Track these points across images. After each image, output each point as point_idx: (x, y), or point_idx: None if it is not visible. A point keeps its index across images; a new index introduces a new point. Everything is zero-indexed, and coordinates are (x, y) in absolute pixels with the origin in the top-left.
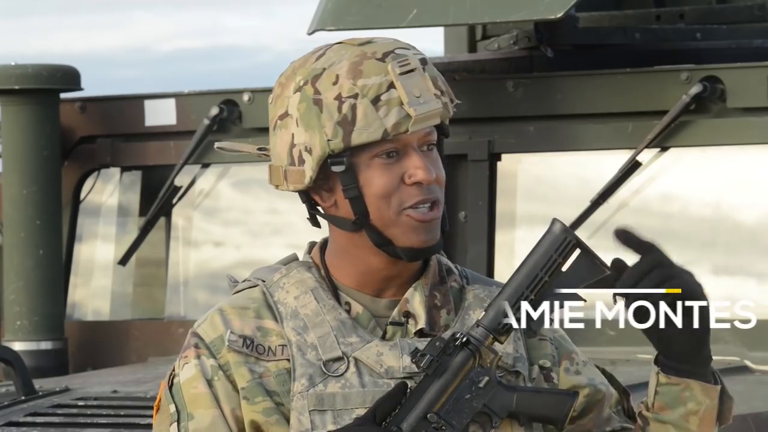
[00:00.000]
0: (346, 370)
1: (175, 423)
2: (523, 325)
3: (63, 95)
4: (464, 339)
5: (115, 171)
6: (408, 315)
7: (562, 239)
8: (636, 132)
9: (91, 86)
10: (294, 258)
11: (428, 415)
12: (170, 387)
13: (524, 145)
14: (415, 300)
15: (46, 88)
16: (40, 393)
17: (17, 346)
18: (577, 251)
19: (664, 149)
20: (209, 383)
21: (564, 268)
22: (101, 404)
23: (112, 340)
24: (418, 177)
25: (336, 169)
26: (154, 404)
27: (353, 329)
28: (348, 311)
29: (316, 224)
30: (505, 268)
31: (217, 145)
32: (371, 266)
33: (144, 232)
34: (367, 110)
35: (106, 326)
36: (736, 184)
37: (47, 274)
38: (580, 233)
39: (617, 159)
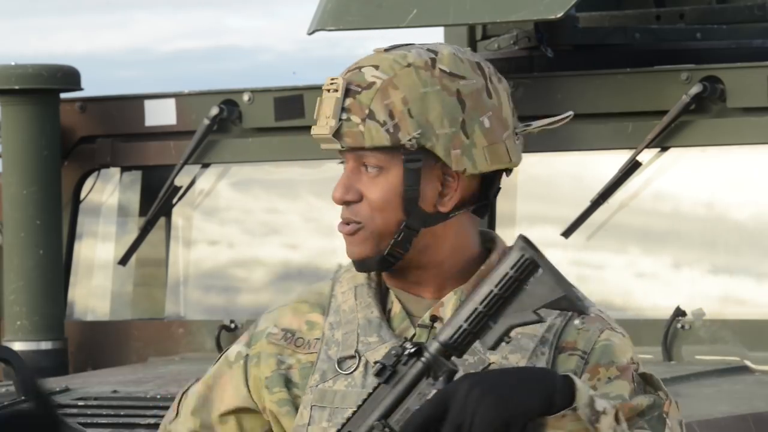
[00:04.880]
0: (355, 369)
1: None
2: (491, 343)
3: (63, 95)
4: (413, 350)
5: (115, 171)
6: (435, 318)
7: (518, 257)
8: (636, 132)
9: (92, 86)
10: None
11: (374, 423)
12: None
13: (524, 145)
14: (450, 304)
15: (46, 88)
16: None
17: (17, 346)
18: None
19: (664, 149)
20: (229, 365)
21: (528, 286)
22: (101, 404)
23: (112, 340)
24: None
25: None
26: (153, 404)
27: (377, 328)
28: (389, 310)
29: None
30: None
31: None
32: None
33: (144, 232)
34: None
35: (106, 326)
36: (735, 185)
37: (47, 274)
38: (580, 233)
39: (617, 159)
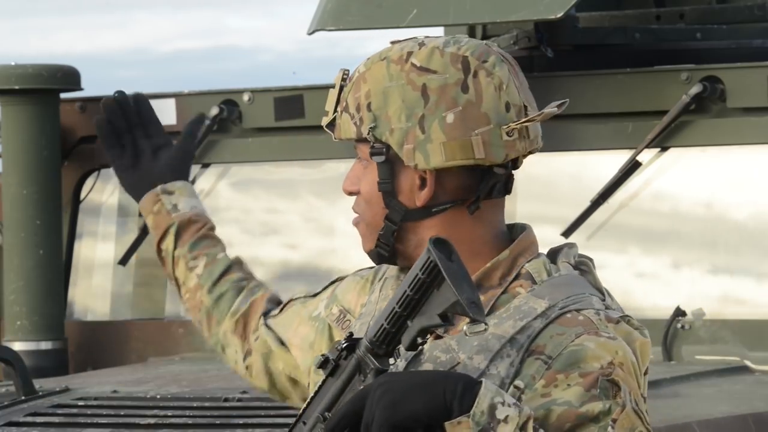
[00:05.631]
0: None
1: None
2: (406, 343)
3: (63, 95)
4: (344, 346)
5: None
6: None
7: (425, 259)
8: (636, 132)
9: (92, 86)
10: None
11: (317, 416)
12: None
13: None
14: None
15: (46, 88)
16: (40, 393)
17: (17, 346)
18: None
19: (664, 149)
20: (310, 317)
21: (440, 288)
22: (101, 404)
23: (112, 340)
24: None
25: None
26: (153, 404)
27: None
28: None
29: None
30: None
31: None
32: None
33: (144, 232)
34: None
35: (106, 326)
36: (735, 185)
37: (47, 274)
38: (580, 233)
39: (617, 159)
